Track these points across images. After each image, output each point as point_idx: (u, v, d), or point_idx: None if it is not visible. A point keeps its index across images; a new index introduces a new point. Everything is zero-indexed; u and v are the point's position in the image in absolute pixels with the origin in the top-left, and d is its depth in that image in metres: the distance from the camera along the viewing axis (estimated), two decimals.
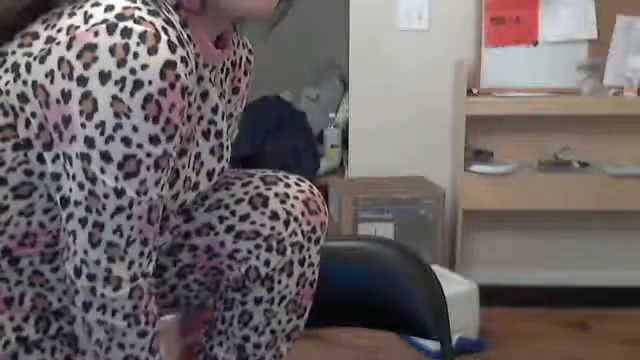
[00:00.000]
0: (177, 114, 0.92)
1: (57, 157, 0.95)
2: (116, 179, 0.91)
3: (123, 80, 0.88)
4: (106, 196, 0.93)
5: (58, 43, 0.92)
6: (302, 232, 1.18)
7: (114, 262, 0.96)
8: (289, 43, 4.04)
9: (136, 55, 0.88)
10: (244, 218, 1.17)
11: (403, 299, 1.38)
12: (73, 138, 0.91)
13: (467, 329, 2.44)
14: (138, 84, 0.88)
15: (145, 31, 0.89)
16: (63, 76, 0.90)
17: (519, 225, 2.96)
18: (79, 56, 0.89)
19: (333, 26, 3.28)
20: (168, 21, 0.93)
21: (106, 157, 0.90)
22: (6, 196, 0.98)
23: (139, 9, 0.91)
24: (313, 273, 1.21)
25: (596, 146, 2.84)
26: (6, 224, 0.99)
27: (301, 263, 1.19)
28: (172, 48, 0.90)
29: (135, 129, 0.89)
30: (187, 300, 1.24)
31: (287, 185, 1.20)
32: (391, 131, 2.92)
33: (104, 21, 0.90)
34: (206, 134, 1.08)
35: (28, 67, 0.93)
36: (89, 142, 0.90)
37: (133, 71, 0.88)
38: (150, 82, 0.88)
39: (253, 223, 1.16)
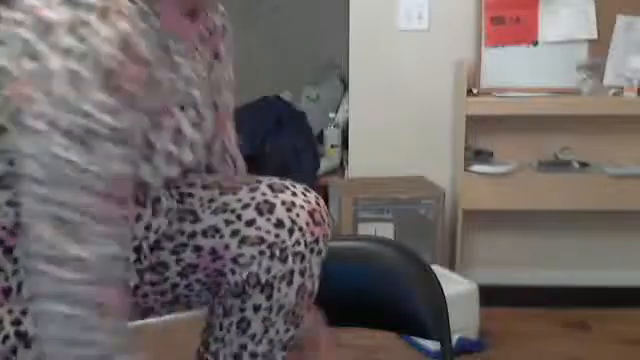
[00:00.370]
0: (132, 85, 0.92)
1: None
2: (67, 149, 0.91)
3: (78, 52, 0.89)
4: (63, 170, 0.91)
5: (16, 22, 0.93)
6: (305, 242, 1.17)
7: (73, 243, 0.93)
8: (289, 43, 4.05)
9: (91, 27, 0.90)
10: (250, 223, 1.17)
11: (403, 299, 1.38)
12: (33, 112, 0.91)
13: (467, 329, 2.44)
14: (93, 56, 0.89)
15: (102, 5, 0.91)
16: (21, 54, 0.91)
17: (519, 225, 2.96)
18: (36, 31, 0.90)
19: (333, 26, 3.28)
20: None
21: (60, 129, 0.90)
22: None
23: None
24: (313, 285, 1.21)
25: (596, 146, 2.84)
26: None
27: (302, 273, 1.19)
28: (128, 20, 0.92)
29: (90, 101, 0.90)
30: (187, 299, 1.24)
31: (294, 194, 1.20)
32: (391, 131, 2.92)
33: None
34: (183, 107, 1.08)
35: None
36: (45, 116, 0.90)
37: (88, 43, 0.89)
38: (105, 54, 0.90)
39: (258, 229, 1.16)
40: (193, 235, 1.18)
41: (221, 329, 1.22)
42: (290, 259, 1.17)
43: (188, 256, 1.19)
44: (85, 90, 0.89)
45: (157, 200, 1.12)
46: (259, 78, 3.94)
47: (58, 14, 0.90)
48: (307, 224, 1.18)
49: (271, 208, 1.17)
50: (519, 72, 2.79)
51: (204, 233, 1.18)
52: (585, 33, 2.77)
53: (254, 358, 1.22)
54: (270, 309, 1.19)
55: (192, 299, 1.24)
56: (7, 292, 1.05)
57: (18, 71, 0.92)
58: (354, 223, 2.67)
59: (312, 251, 1.19)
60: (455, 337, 2.19)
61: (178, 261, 1.19)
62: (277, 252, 1.16)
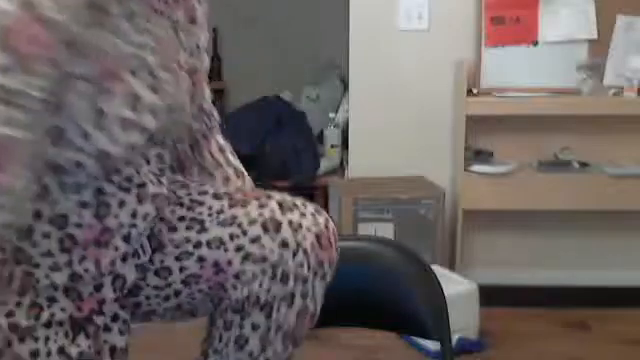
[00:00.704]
0: (32, 46, 0.91)
1: None
2: None
3: None
4: None
5: None
6: (309, 265, 1.16)
7: None
8: (289, 43, 4.06)
9: None
10: (255, 240, 1.15)
11: (403, 299, 1.37)
12: None
13: (467, 329, 2.44)
14: None
15: None
16: None
17: (519, 225, 2.96)
18: None
19: (333, 26, 3.29)
20: None
21: None
22: None
23: None
24: (315, 308, 1.20)
25: (596, 146, 2.84)
26: None
27: (303, 296, 1.17)
28: None
29: None
30: (190, 307, 1.23)
31: (303, 215, 1.17)
32: (391, 131, 2.92)
33: None
34: (135, 71, 1.05)
35: None
36: None
37: None
38: (7, 13, 0.89)
39: (262, 247, 1.15)
40: (198, 245, 1.17)
41: (220, 341, 1.22)
42: (292, 281, 1.15)
43: (192, 265, 1.18)
44: None
45: (142, 185, 1.11)
46: (259, 78, 3.94)
47: None
48: (312, 247, 1.16)
49: (277, 227, 1.15)
50: (519, 72, 2.79)
51: (209, 244, 1.17)
52: (585, 33, 2.77)
53: None
54: (269, 329, 1.18)
55: (195, 307, 1.23)
56: None
57: None
58: (354, 223, 2.67)
59: (316, 274, 1.17)
60: (455, 337, 2.19)
61: (182, 269, 1.18)
62: (279, 273, 1.15)
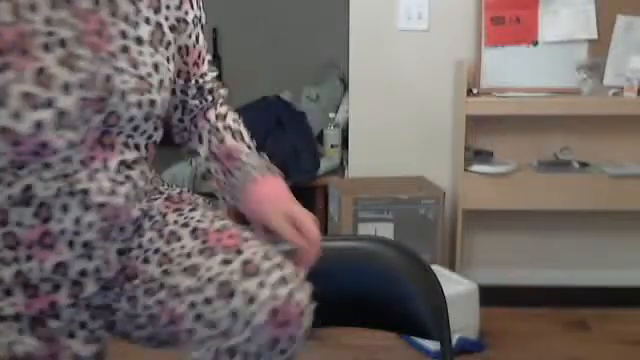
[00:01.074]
0: None
1: None
2: None
3: None
4: None
5: None
6: (259, 343, 1.05)
7: None
8: (289, 43, 4.06)
9: None
10: (208, 302, 1.07)
11: (403, 299, 1.37)
12: None
13: (467, 329, 2.44)
14: None
15: None
16: None
17: (519, 225, 2.96)
18: None
19: (333, 26, 3.29)
20: None
21: None
22: None
23: None
24: None
25: (596, 146, 2.85)
26: None
27: None
28: None
29: None
30: (164, 339, 1.19)
31: (261, 285, 1.06)
32: (391, 131, 2.92)
33: None
34: (47, 46, 1.02)
35: None
36: None
37: None
38: None
39: (214, 312, 1.06)
40: (161, 287, 1.13)
41: None
42: (238, 356, 1.07)
43: (154, 305, 1.13)
44: None
45: (85, 192, 1.07)
46: (259, 78, 3.94)
47: None
48: (265, 324, 1.05)
49: (230, 294, 1.06)
50: (519, 72, 2.79)
51: (170, 290, 1.12)
52: (585, 33, 2.77)
53: None
54: None
55: (164, 342, 1.19)
56: None
57: None
58: (354, 223, 2.67)
59: (270, 350, 1.06)
60: (455, 337, 2.20)
61: (146, 307, 1.14)
62: (224, 345, 1.07)
